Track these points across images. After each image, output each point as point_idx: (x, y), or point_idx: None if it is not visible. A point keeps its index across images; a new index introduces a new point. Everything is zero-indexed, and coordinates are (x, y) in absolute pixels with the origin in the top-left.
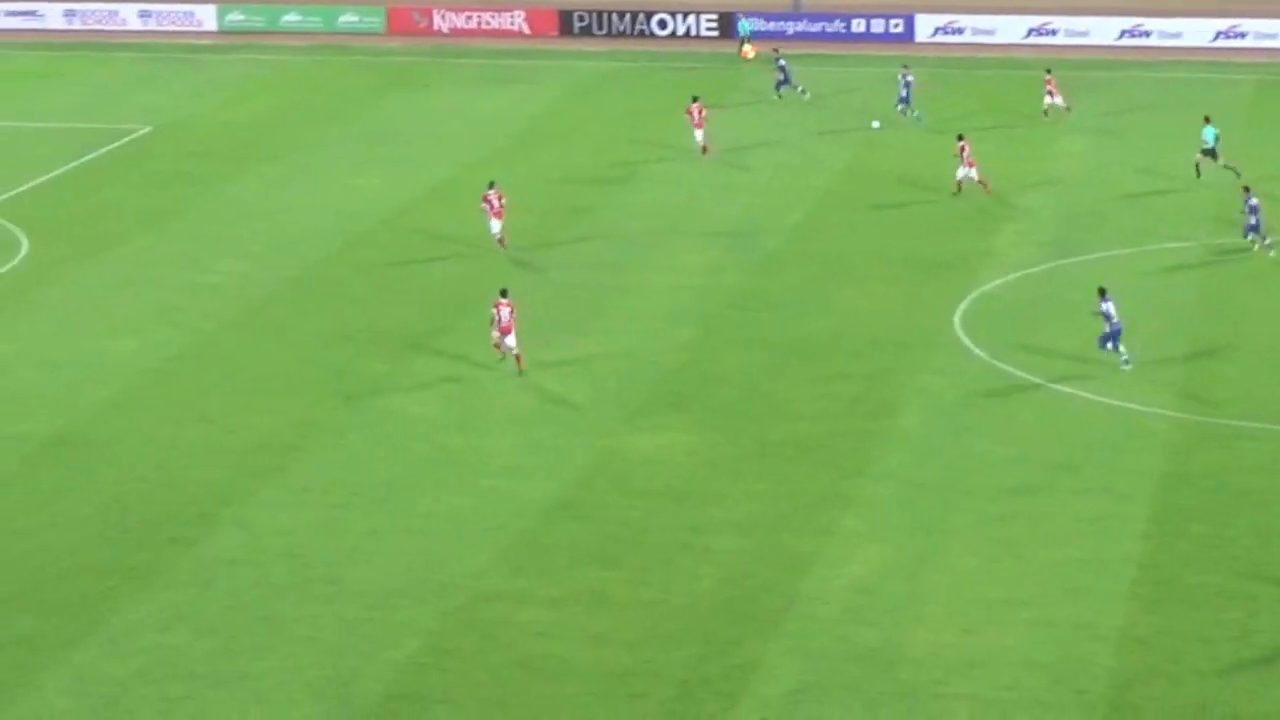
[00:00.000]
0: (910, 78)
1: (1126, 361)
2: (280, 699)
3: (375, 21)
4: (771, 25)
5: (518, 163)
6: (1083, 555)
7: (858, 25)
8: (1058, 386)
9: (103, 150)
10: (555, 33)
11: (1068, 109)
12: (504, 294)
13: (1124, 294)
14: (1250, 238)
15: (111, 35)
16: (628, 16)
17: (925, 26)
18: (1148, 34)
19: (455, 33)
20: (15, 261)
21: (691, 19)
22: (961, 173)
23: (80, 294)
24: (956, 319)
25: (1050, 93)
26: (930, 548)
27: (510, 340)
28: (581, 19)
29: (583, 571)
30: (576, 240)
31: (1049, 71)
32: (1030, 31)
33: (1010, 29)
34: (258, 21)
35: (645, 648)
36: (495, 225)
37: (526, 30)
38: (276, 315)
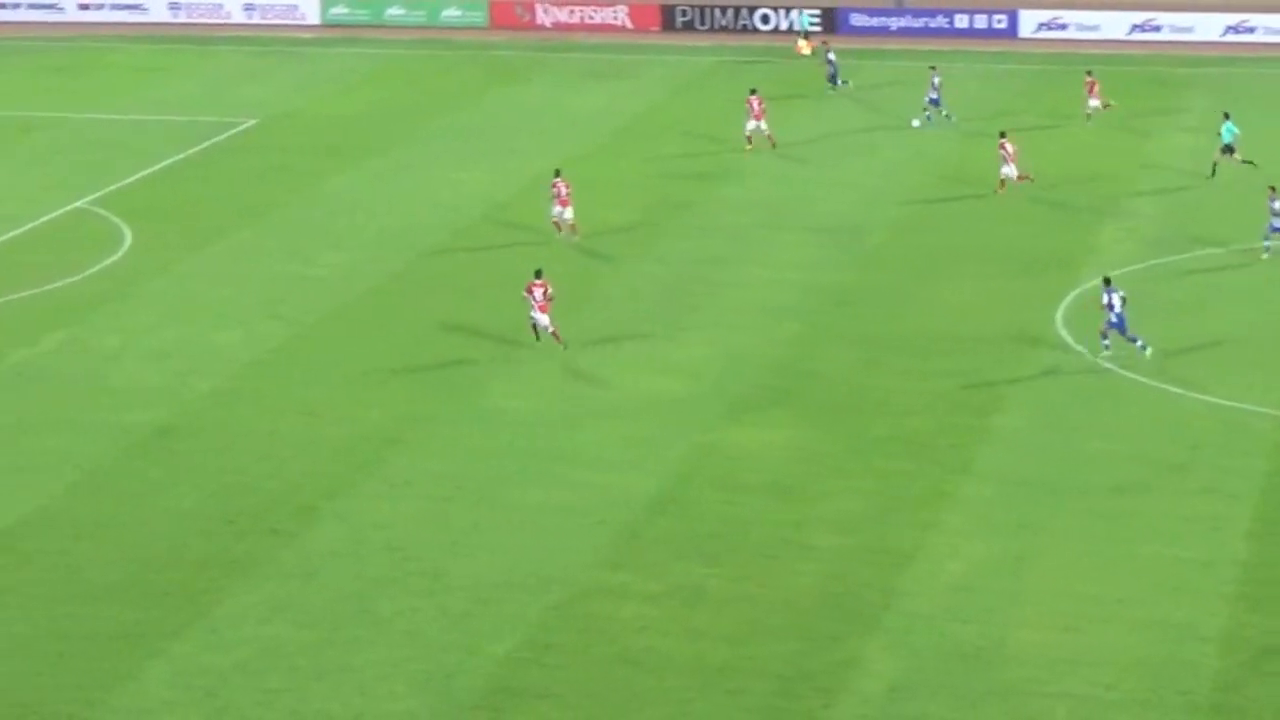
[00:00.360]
0: (938, 79)
1: (1143, 348)
2: (381, 692)
3: (478, 16)
4: (875, 21)
5: (619, 157)
6: (1187, 554)
7: (960, 21)
8: (1161, 385)
9: (207, 143)
10: (658, 27)
11: (1106, 107)
12: (538, 274)
13: (1227, 293)
14: (1269, 242)
15: (216, 29)
16: (730, 11)
17: (1029, 22)
18: (1253, 30)
19: (557, 27)
20: (120, 254)
21: (794, 13)
22: (1005, 171)
23: (184, 286)
24: (1058, 316)
25: (1091, 94)
26: (1031, 545)
27: (544, 319)
28: (684, 13)
29: (683, 567)
30: (678, 235)
31: (1090, 73)
32: (1134, 28)
33: (1114, 25)
34: (361, 15)
35: (745, 643)
36: (565, 212)
37: (629, 25)
38: (379, 308)
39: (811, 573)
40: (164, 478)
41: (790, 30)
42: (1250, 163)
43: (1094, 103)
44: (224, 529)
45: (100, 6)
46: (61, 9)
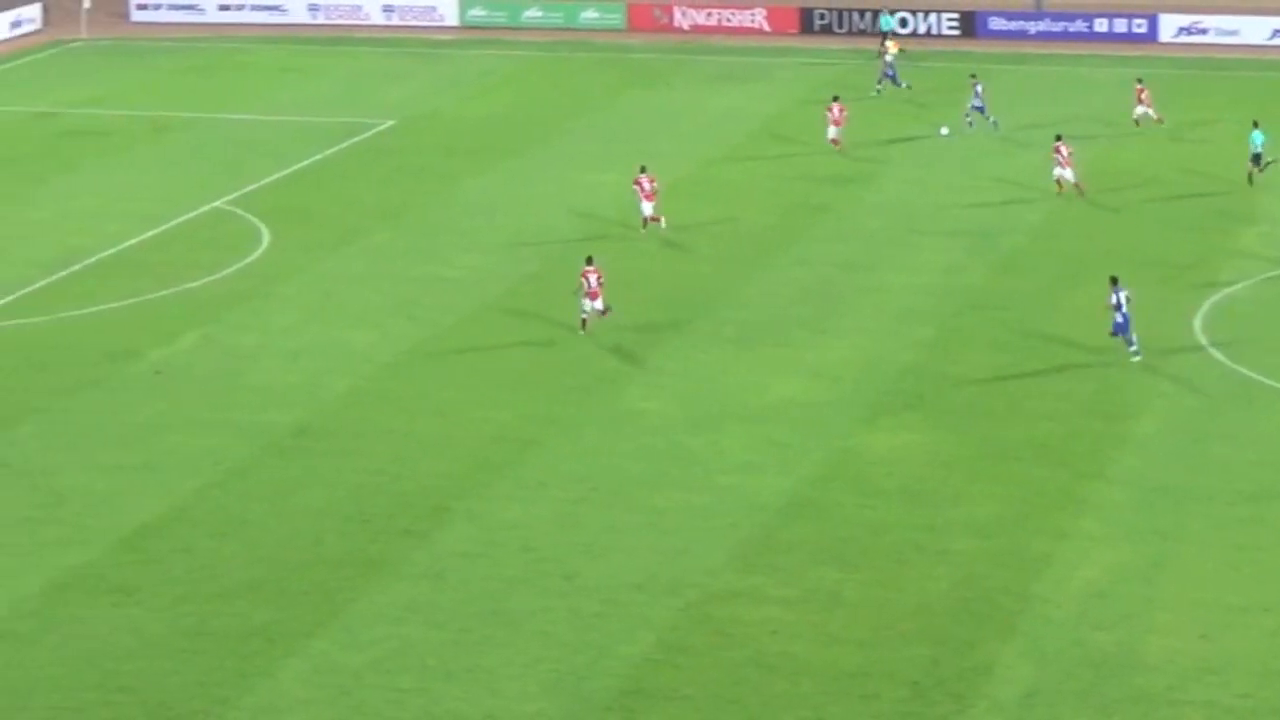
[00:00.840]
0: (980, 87)
1: (1136, 353)
2: (513, 692)
3: (616, 18)
4: (1013, 25)
5: (755, 160)
6: None
7: (1100, 25)
8: None
9: (345, 144)
10: (795, 30)
11: (1159, 121)
12: (590, 261)
13: None
14: None
15: (355, 30)
16: (869, 14)
17: (1169, 26)
18: None
19: (695, 29)
20: (257, 254)
21: (933, 18)
22: (1058, 172)
23: (321, 286)
24: (1197, 321)
25: (1141, 101)
26: (1167, 552)
27: (598, 304)
28: (822, 17)
29: (817, 570)
30: (815, 238)
31: (1140, 80)
32: (1275, 33)
33: (1255, 30)
34: (500, 17)
35: (878, 648)
36: (647, 207)
37: (766, 28)
38: (514, 310)
39: (945, 577)
40: (299, 477)
41: (929, 34)
42: (1272, 161)
43: (1141, 109)
44: (358, 529)
45: (240, 7)
46: (202, 10)
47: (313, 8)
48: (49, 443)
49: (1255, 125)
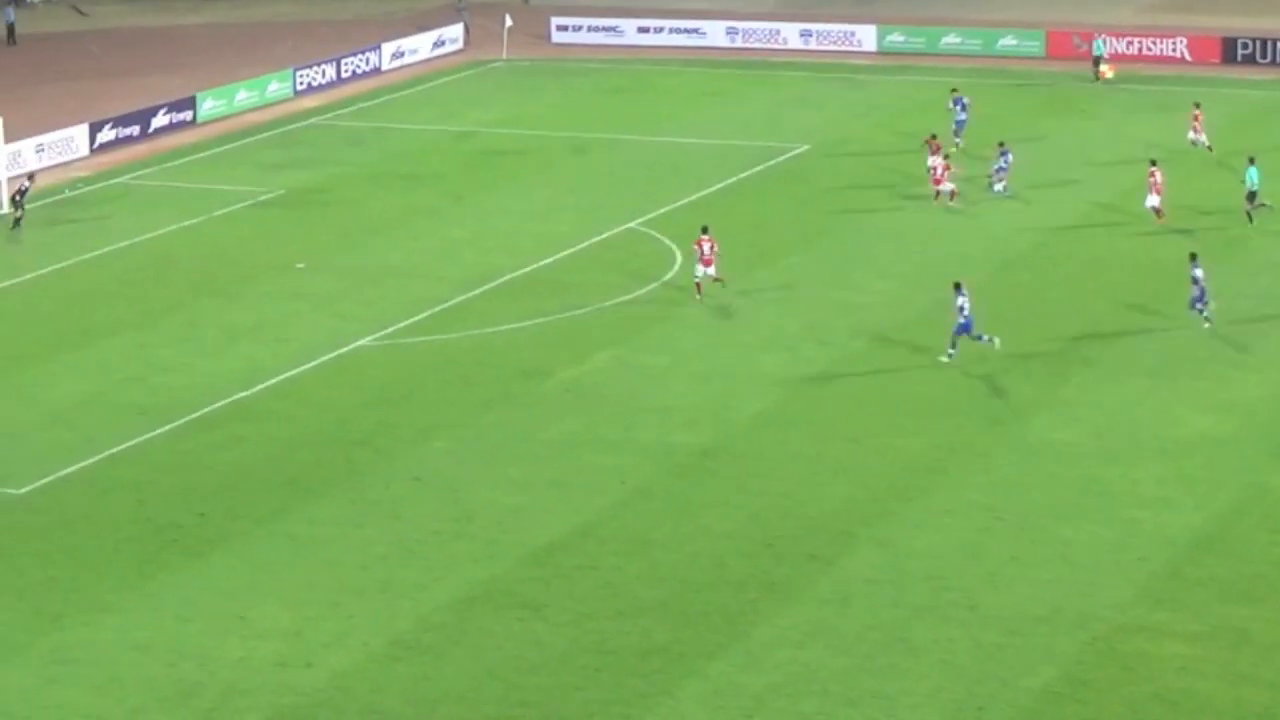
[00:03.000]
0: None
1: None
2: None
3: (1035, 45)
4: None
5: (1174, 189)
6: None
7: None
8: None
9: (759, 168)
10: (1218, 59)
11: (1210, 148)
12: (705, 230)
13: None
14: None
15: (772, 54)
16: None
17: None
18: None
19: (1115, 58)
20: (670, 275)
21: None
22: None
23: (732, 309)
24: None
25: (1195, 129)
26: None
27: (711, 270)
28: (1245, 46)
29: (1226, 608)
30: (1232, 271)
31: (1198, 105)
32: None
33: None
34: (918, 43)
35: None
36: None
37: (1188, 57)
38: (924, 337)
39: None
40: (705, 498)
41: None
42: (1266, 205)
43: (1194, 136)
44: (763, 551)
45: (660, 30)
46: (621, 32)
47: (731, 31)
48: (461, 457)
49: (1251, 161)
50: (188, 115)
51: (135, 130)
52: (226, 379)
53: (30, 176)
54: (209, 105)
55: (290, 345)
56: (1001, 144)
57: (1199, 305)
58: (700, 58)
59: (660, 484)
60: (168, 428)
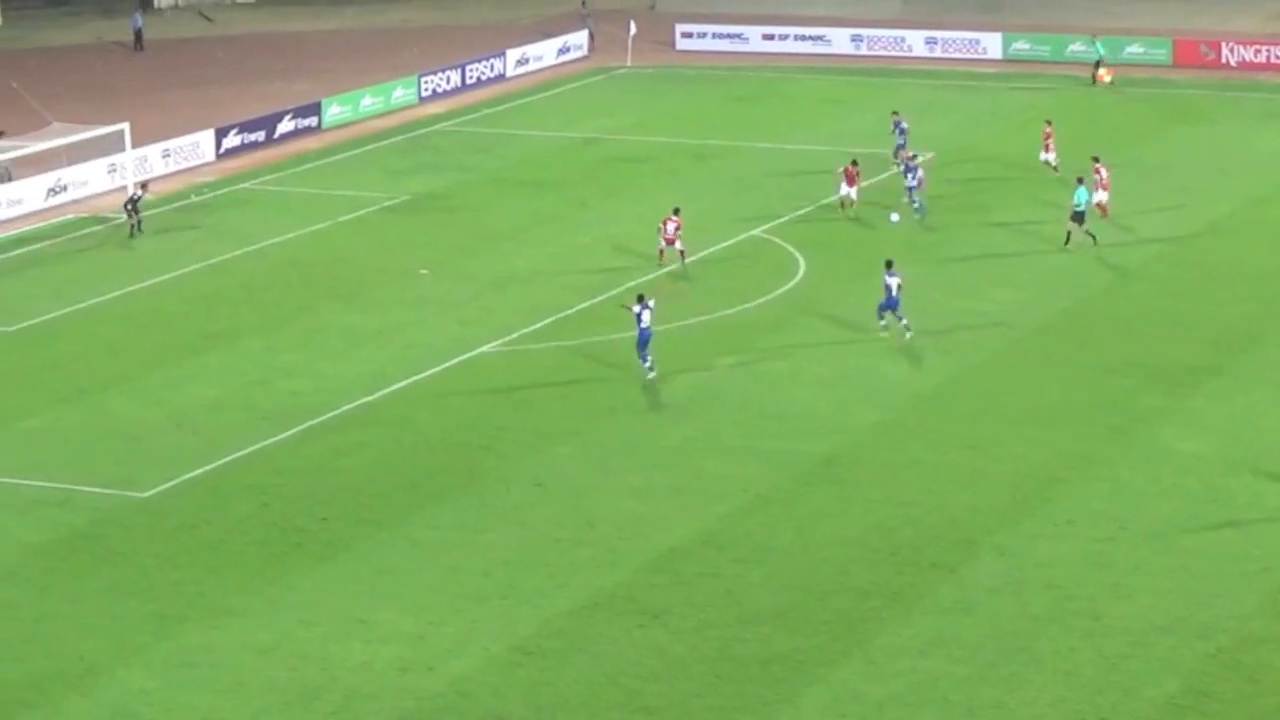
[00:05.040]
0: (906, 124)
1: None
2: None
3: (1161, 54)
4: None
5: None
6: None
7: None
8: None
9: (883, 175)
10: None
11: (1056, 169)
12: (676, 211)
13: None
14: None
15: (897, 61)
16: None
17: None
18: None
19: (1243, 66)
20: (793, 283)
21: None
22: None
23: (855, 316)
24: None
25: (1047, 146)
26: None
27: (677, 245)
28: None
29: None
30: None
31: (1049, 123)
32: None
33: None
34: (1043, 51)
35: None
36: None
37: None
38: (1047, 346)
39: None
40: (828, 506)
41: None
42: (1091, 236)
43: (1045, 155)
44: (886, 560)
45: (784, 37)
46: (746, 39)
47: (856, 39)
48: (583, 464)
49: (1080, 181)
50: (313, 121)
51: (261, 136)
52: (350, 384)
53: (143, 185)
54: (334, 111)
55: (413, 350)
56: (912, 156)
57: (884, 311)
58: (824, 65)
59: (782, 491)
60: (292, 432)
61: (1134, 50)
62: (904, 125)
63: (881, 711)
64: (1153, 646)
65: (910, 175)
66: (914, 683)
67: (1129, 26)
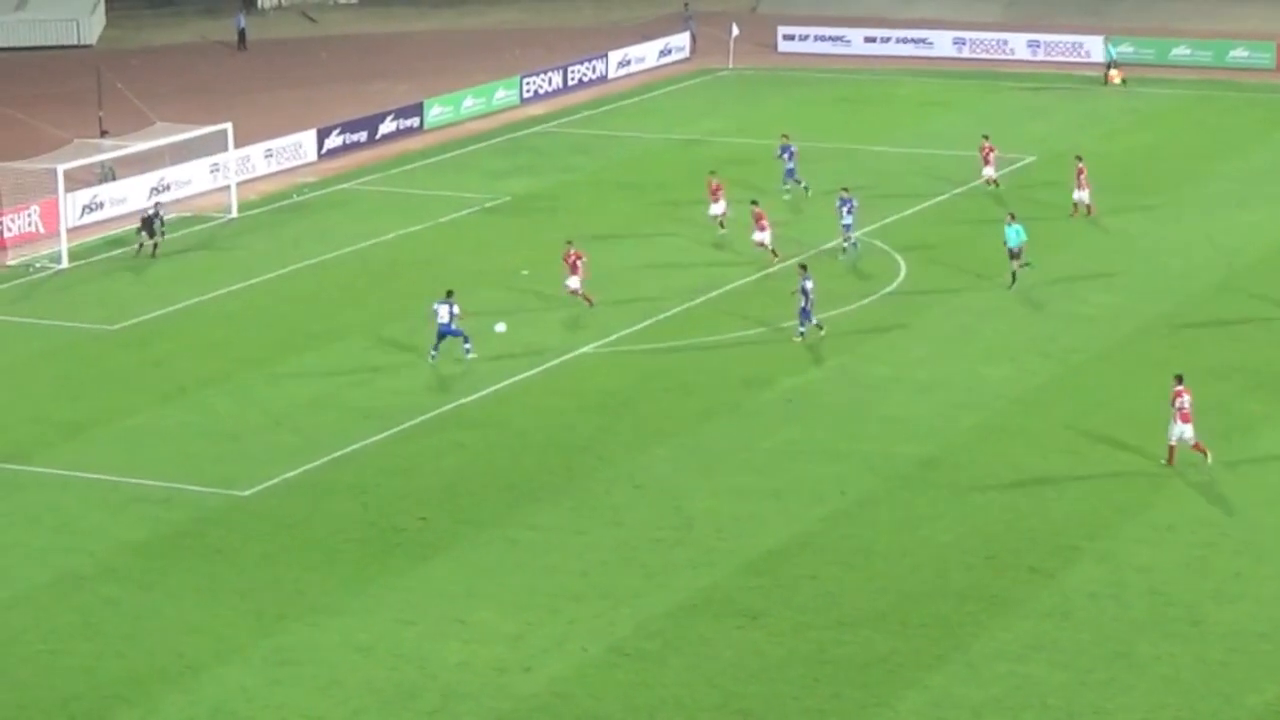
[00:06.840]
0: (793, 148)
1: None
2: None
3: (1266, 58)
4: None
5: None
6: None
7: None
8: None
9: (980, 180)
10: None
11: (996, 184)
12: (569, 244)
13: None
14: None
15: (1000, 64)
16: None
17: None
18: None
19: None
20: (894, 286)
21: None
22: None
23: (957, 320)
24: None
25: (987, 160)
26: None
27: (574, 283)
28: None
29: None
30: None
31: (986, 137)
32: None
33: None
34: (1147, 54)
35: None
36: (762, 236)
37: None
38: (1148, 349)
39: None
40: (926, 510)
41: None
42: (1028, 265)
43: (986, 170)
44: (984, 564)
45: (886, 40)
46: (848, 41)
47: (958, 41)
48: (682, 465)
49: (1011, 218)
50: (414, 122)
51: (362, 136)
52: (449, 383)
53: (158, 205)
54: (436, 112)
55: (513, 351)
56: (844, 190)
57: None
58: (926, 68)
59: (881, 494)
60: (391, 431)
61: (1238, 54)
62: (792, 149)
63: (979, 716)
64: (1253, 653)
65: (845, 210)
66: (1012, 687)
67: (1234, 30)
